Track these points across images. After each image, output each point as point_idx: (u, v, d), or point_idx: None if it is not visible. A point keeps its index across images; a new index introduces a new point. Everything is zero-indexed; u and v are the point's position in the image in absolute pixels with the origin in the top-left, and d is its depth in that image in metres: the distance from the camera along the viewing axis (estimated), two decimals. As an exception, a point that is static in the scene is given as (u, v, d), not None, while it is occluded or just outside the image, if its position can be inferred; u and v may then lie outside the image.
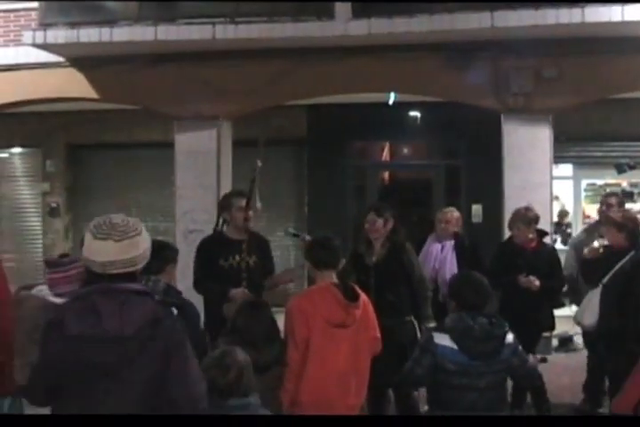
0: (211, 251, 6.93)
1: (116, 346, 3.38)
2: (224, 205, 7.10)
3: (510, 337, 5.15)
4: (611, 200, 8.33)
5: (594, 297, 6.93)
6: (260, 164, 7.10)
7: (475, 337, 4.99)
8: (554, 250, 7.96)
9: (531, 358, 5.58)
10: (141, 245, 3.56)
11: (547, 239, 8.22)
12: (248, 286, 6.64)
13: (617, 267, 6.45)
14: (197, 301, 6.30)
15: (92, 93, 11.59)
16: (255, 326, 5.27)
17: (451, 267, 8.00)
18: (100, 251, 3.46)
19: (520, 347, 5.29)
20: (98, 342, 3.38)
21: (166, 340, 3.46)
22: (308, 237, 7.06)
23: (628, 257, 6.73)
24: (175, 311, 3.78)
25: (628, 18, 9.46)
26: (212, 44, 10.64)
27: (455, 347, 5.00)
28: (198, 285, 6.94)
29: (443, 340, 5.05)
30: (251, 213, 6.90)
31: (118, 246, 3.46)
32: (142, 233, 3.58)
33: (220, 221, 7.09)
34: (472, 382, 5.03)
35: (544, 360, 7.76)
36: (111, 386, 3.40)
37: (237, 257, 6.80)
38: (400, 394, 6.83)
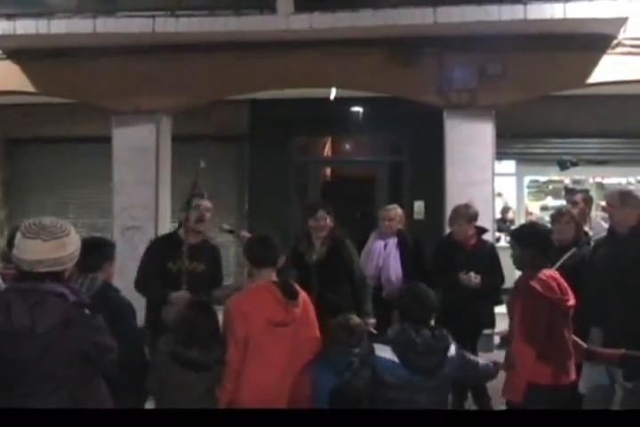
0: (160, 252, 6.81)
1: (27, 343, 3.55)
2: (183, 205, 6.92)
3: (453, 350, 5.06)
4: (576, 198, 8.39)
5: None
6: (202, 164, 7.02)
7: (417, 352, 4.90)
8: (493, 247, 7.98)
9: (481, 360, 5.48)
10: (69, 247, 3.74)
11: (488, 236, 8.22)
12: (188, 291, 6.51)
13: (558, 264, 6.42)
14: (136, 299, 6.15)
15: (30, 87, 11.38)
16: (202, 326, 5.26)
17: (394, 264, 7.97)
18: (28, 249, 3.66)
19: (467, 355, 5.22)
20: (10, 338, 3.55)
21: (82, 339, 3.64)
22: (244, 233, 6.97)
23: (569, 253, 6.72)
24: (88, 311, 3.75)
25: (570, 15, 9.52)
26: (152, 37, 10.46)
27: (396, 360, 4.91)
28: (140, 284, 6.79)
29: (384, 352, 4.96)
30: (208, 214, 6.80)
31: (46, 246, 3.65)
32: (70, 235, 3.77)
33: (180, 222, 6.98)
34: (411, 397, 4.92)
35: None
36: (32, 379, 3.59)
37: (186, 262, 6.66)
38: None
